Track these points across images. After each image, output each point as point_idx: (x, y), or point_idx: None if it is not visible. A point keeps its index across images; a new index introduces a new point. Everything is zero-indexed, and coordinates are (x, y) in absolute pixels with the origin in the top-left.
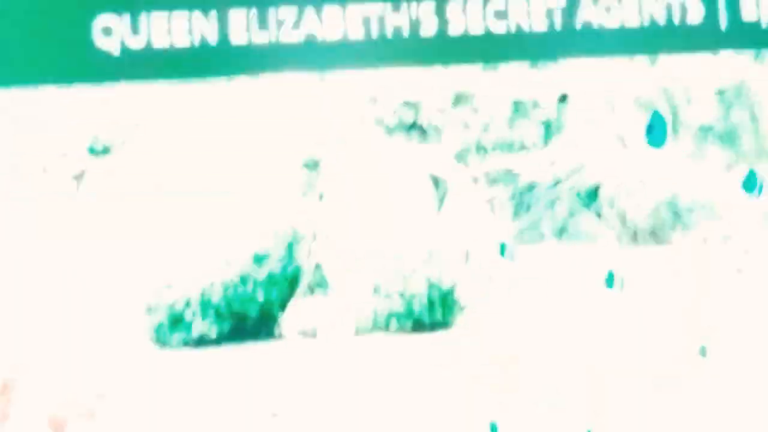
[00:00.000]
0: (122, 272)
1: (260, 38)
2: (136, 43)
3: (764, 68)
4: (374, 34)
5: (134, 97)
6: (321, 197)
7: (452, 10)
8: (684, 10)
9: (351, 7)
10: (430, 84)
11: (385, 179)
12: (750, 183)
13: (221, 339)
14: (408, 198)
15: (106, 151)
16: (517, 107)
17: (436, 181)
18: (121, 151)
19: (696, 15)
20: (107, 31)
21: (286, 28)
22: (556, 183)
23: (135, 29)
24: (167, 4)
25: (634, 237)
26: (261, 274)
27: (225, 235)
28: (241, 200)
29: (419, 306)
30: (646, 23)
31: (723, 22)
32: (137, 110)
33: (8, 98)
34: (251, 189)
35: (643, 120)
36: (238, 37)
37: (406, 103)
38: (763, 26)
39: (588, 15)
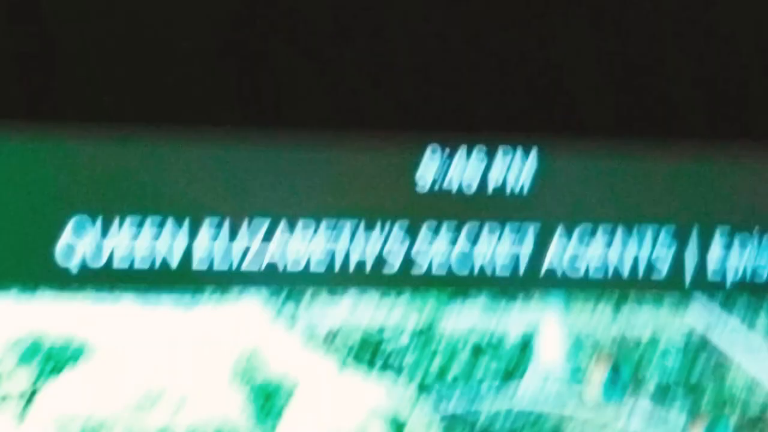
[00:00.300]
0: None
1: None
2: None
3: (728, 322)
4: (337, 266)
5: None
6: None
7: (418, 247)
8: (650, 263)
9: (316, 240)
10: (392, 318)
11: (340, 414)
12: None
13: None
14: None
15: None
16: (478, 350)
17: (394, 423)
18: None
19: (662, 267)
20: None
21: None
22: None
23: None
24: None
25: None
26: None
27: None
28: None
29: None
30: (611, 273)
31: (688, 277)
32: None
33: None
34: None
35: (603, 372)
36: (199, 262)
37: (367, 337)
38: (728, 284)
39: (553, 262)
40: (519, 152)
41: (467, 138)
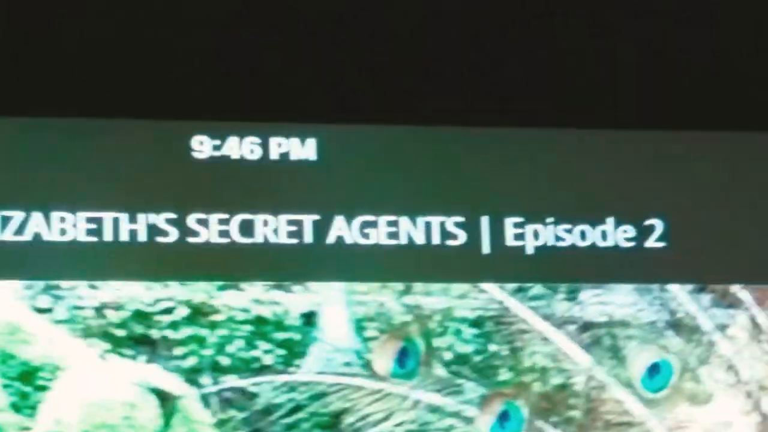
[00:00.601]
0: None
1: None
2: None
3: (526, 295)
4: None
5: None
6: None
7: (192, 220)
8: (444, 233)
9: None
10: (165, 297)
11: (110, 394)
12: (505, 419)
13: None
14: (132, 415)
15: None
16: (259, 326)
17: (164, 398)
18: None
19: (456, 242)
20: None
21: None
22: (295, 408)
23: None
24: None
25: None
26: None
27: None
28: None
29: None
30: (404, 247)
31: (485, 248)
32: None
33: None
34: None
35: (395, 349)
36: None
37: (138, 315)
38: (527, 252)
39: (340, 233)
40: (296, 139)
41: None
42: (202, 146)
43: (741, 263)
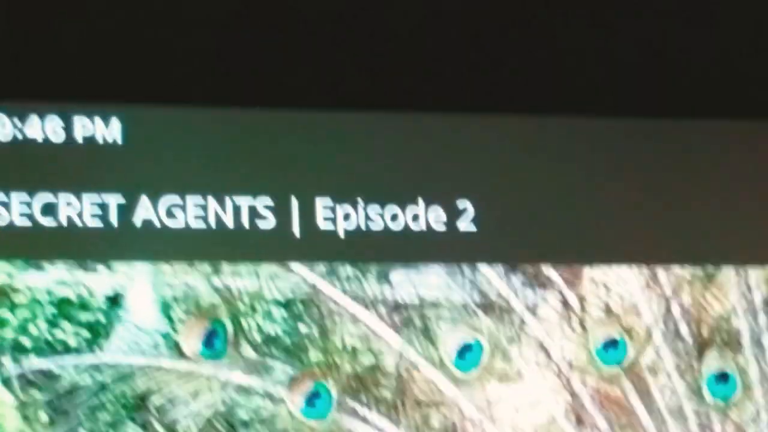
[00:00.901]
0: None
1: None
2: None
3: (337, 277)
4: None
5: None
6: None
7: None
8: (254, 215)
9: None
10: None
11: None
12: (315, 400)
13: None
14: None
15: None
16: (62, 308)
17: None
18: None
19: (267, 220)
20: None
21: None
22: (100, 389)
23: None
24: None
25: None
26: None
27: None
28: None
29: None
30: (213, 227)
31: (295, 230)
32: None
33: None
34: None
35: (203, 330)
36: None
37: None
38: (338, 234)
39: (147, 215)
40: (100, 120)
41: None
42: (3, 128)
43: (550, 244)
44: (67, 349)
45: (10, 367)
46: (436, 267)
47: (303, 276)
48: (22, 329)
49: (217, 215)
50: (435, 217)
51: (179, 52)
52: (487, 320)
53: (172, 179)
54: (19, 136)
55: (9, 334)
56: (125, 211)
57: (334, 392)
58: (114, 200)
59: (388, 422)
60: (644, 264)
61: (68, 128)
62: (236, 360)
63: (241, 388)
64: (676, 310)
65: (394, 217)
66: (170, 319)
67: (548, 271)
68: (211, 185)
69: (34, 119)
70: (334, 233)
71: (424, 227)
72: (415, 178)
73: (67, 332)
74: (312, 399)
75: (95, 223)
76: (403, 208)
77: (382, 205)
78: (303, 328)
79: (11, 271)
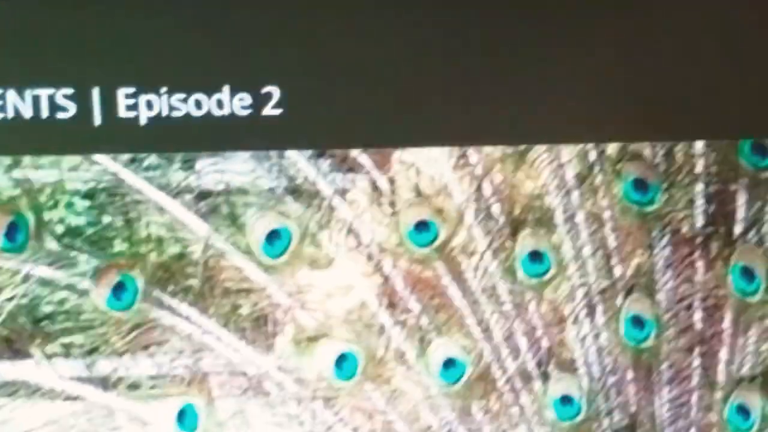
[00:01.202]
0: None
1: None
2: None
3: (138, 171)
4: None
5: None
6: None
7: None
8: (53, 106)
9: None
10: None
11: None
12: (120, 290)
13: None
14: None
15: None
16: None
17: None
18: None
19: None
20: None
21: None
22: None
23: None
24: None
25: None
26: None
27: None
28: None
29: None
30: (11, 120)
31: (97, 120)
32: None
33: None
34: None
35: (4, 223)
36: None
37: None
38: (141, 123)
39: None
40: None
41: None
42: None
43: (358, 128)
44: None
45: None
46: (242, 154)
47: (105, 166)
48: None
49: (15, 107)
50: (240, 103)
51: None
52: (296, 206)
53: None
54: None
55: None
56: None
57: (140, 282)
58: None
59: (196, 311)
60: (455, 145)
61: None
62: (39, 252)
63: (45, 281)
64: (487, 189)
65: (198, 104)
66: None
67: (357, 154)
68: (9, 77)
69: None
70: (135, 120)
71: (228, 113)
72: (222, 65)
73: None
74: (117, 290)
75: None
76: (208, 95)
77: (188, 93)
78: (107, 219)
79: None
